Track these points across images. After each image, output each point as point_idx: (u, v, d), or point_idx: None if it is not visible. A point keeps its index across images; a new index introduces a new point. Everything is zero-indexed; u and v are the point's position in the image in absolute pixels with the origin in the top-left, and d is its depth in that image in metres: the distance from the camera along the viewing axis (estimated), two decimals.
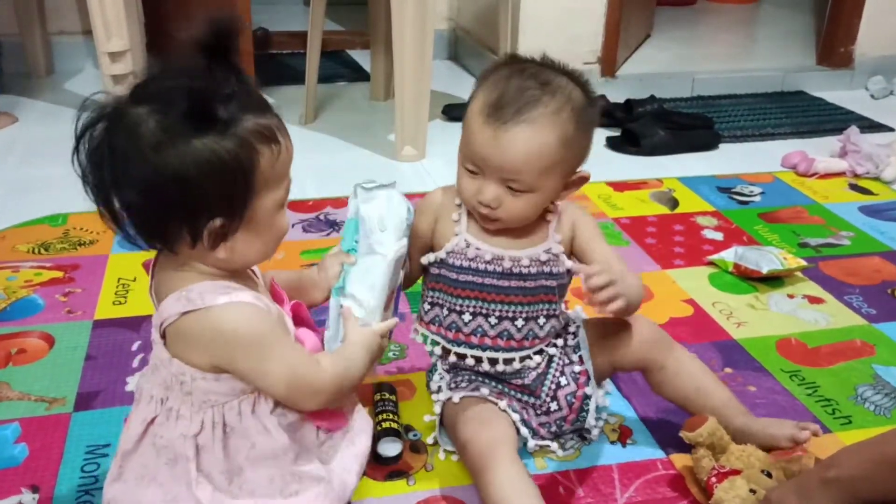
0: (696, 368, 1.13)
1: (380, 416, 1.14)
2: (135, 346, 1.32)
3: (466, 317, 1.05)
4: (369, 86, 2.74)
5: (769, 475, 1.00)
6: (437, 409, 1.10)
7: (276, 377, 0.80)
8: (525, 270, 1.04)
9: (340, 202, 1.89)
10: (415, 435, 1.15)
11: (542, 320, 1.06)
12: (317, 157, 2.20)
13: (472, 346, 1.06)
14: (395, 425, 1.13)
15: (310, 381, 0.83)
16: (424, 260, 1.07)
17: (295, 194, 2.13)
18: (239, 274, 0.85)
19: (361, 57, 3.11)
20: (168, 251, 0.80)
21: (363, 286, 0.94)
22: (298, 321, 0.92)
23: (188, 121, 0.73)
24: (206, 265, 0.81)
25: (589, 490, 1.06)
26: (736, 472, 1.01)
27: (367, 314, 0.94)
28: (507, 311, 1.05)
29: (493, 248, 1.04)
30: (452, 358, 1.08)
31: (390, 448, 1.11)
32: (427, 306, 1.09)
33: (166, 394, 0.82)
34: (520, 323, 1.05)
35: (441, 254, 1.05)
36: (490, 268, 1.03)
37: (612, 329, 1.11)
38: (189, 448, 0.81)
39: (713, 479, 1.01)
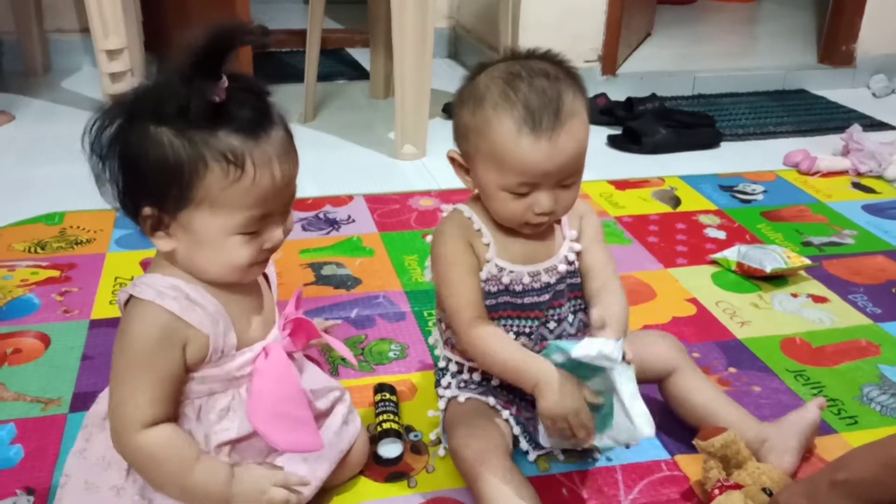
0: (709, 387, 1.13)
1: (380, 417, 1.13)
2: None
3: (510, 335, 1.04)
4: (369, 84, 2.73)
5: (770, 493, 0.97)
6: (442, 405, 1.09)
7: (111, 399, 0.83)
8: (559, 276, 1.04)
9: (340, 200, 1.87)
10: (416, 436, 1.14)
11: (570, 318, 1.06)
12: (317, 155, 2.18)
13: None
14: (395, 426, 1.12)
15: (118, 432, 0.83)
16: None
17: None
18: (231, 287, 0.86)
19: (360, 55, 3.10)
20: (145, 231, 0.83)
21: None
22: (301, 337, 0.92)
23: (156, 108, 0.76)
24: (177, 266, 0.84)
25: (593, 492, 1.05)
26: (739, 488, 0.98)
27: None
28: (543, 318, 1.05)
29: (526, 267, 1.02)
30: (477, 376, 1.08)
31: (391, 449, 1.09)
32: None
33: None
34: (552, 325, 1.05)
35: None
36: (529, 286, 1.02)
37: (635, 342, 1.09)
38: None
39: (715, 492, 0.99)
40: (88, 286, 1.48)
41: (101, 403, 0.89)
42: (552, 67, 0.96)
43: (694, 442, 1.04)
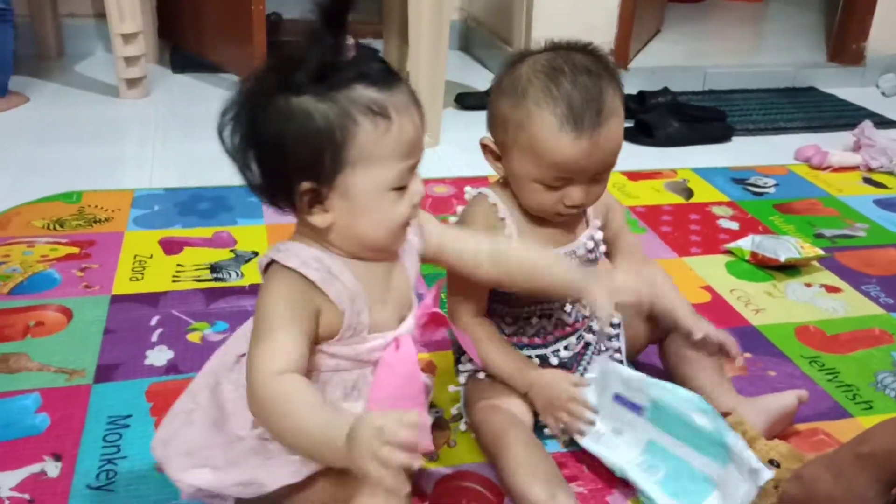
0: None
1: None
2: (153, 321, 1.32)
3: (534, 321, 1.08)
4: None
5: (777, 465, 0.98)
6: (462, 380, 1.10)
7: (251, 351, 0.79)
8: (577, 261, 1.06)
9: None
10: (437, 412, 1.15)
11: None
12: None
13: (535, 347, 1.09)
14: None
15: (254, 377, 0.78)
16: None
17: None
18: (372, 268, 0.84)
19: (370, 44, 3.11)
20: (281, 210, 0.82)
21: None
22: (431, 329, 0.91)
23: (290, 80, 0.75)
24: (323, 238, 0.82)
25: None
26: None
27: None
28: (561, 301, 1.07)
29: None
30: None
31: None
32: None
33: None
34: (568, 308, 1.08)
35: None
36: None
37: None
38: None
39: None
40: (108, 263, 1.49)
41: (228, 355, 0.89)
42: (594, 63, 0.97)
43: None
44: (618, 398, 1.04)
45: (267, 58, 0.78)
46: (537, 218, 1.04)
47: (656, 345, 1.20)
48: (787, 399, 1.11)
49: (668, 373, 1.16)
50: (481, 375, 1.08)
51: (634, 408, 1.03)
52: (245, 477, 0.83)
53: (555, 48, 1.00)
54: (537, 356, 1.09)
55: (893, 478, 0.79)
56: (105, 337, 1.27)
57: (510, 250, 0.98)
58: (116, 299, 1.38)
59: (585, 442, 1.03)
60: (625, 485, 1.02)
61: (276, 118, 0.76)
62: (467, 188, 1.12)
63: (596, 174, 0.99)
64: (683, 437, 0.99)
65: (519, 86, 0.97)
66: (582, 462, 1.06)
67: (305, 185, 0.77)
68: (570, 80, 0.95)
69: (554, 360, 1.09)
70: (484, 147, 1.05)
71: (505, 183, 1.06)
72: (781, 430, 1.11)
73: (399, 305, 0.88)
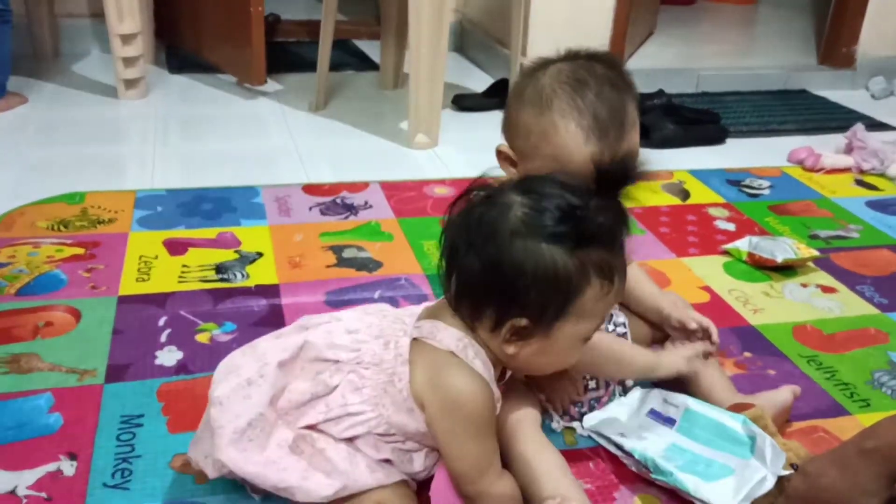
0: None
1: None
2: (161, 322, 1.33)
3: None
4: (377, 75, 2.75)
5: (796, 468, 0.99)
6: None
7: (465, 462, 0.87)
8: None
9: (356, 186, 1.90)
10: None
11: None
12: (331, 142, 2.21)
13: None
14: None
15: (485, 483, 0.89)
16: None
17: (311, 178, 2.13)
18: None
19: (367, 47, 3.13)
20: (467, 322, 0.85)
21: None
22: None
23: (549, 229, 0.79)
24: (510, 359, 0.87)
25: (617, 466, 1.07)
26: None
27: None
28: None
29: None
30: None
31: None
32: None
33: (368, 367, 0.89)
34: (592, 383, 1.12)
35: None
36: None
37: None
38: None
39: None
40: (114, 264, 1.50)
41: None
42: (615, 76, 1.00)
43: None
44: (652, 413, 1.08)
45: (532, 205, 0.81)
46: None
47: (660, 345, 1.22)
48: (782, 395, 1.15)
49: None
50: None
51: (668, 421, 1.06)
52: (281, 480, 0.87)
53: (574, 57, 1.01)
54: None
55: None
56: (114, 337, 1.28)
57: (598, 341, 1.00)
58: (124, 300, 1.39)
59: (608, 431, 1.06)
60: (631, 481, 1.04)
61: (529, 259, 0.79)
62: None
63: None
64: (708, 442, 1.02)
65: (543, 96, 0.99)
66: (589, 459, 1.09)
67: (523, 321, 0.82)
68: (594, 93, 0.97)
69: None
70: (499, 153, 1.06)
71: None
72: (779, 426, 1.13)
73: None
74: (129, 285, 1.43)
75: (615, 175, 0.82)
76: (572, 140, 0.97)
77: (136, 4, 2.36)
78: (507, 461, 1.00)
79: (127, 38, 2.35)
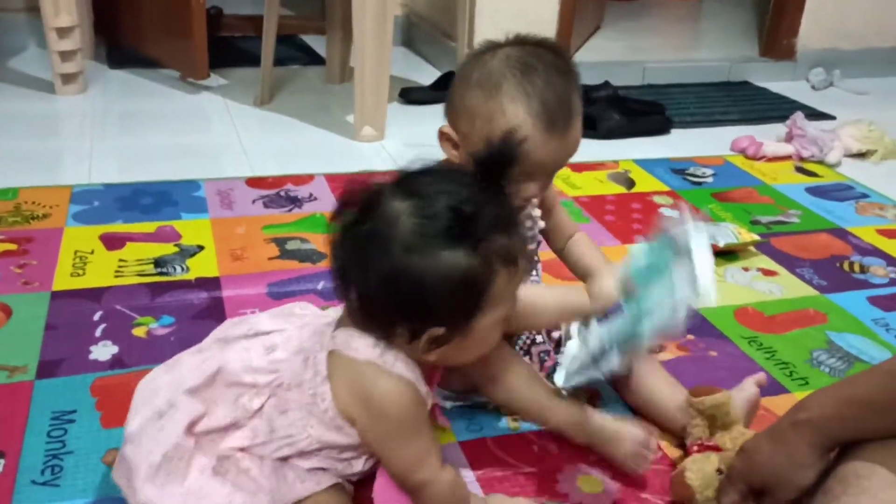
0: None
1: None
2: (96, 316, 1.29)
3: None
4: (322, 69, 2.73)
5: None
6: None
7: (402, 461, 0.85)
8: None
9: (301, 179, 1.87)
10: None
11: None
12: (275, 136, 2.18)
13: None
14: None
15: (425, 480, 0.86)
16: None
17: (255, 171, 2.09)
18: None
19: (313, 41, 3.10)
20: (381, 339, 0.81)
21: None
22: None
23: (444, 234, 0.75)
24: (420, 357, 0.83)
25: (562, 445, 1.07)
26: (717, 450, 1.00)
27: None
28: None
29: None
30: None
31: None
32: None
33: (289, 388, 0.85)
34: (540, 337, 1.11)
35: None
36: None
37: None
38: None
39: (694, 448, 1.02)
40: (47, 259, 1.45)
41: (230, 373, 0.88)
42: (562, 63, 0.98)
43: (685, 398, 1.07)
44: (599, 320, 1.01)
45: (419, 213, 0.76)
46: None
47: None
48: (748, 390, 1.10)
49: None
50: None
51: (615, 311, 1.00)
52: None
53: (522, 42, 0.99)
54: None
55: (830, 442, 0.82)
56: (47, 333, 1.24)
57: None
58: (57, 295, 1.34)
59: (579, 370, 0.99)
60: (574, 464, 1.04)
61: (429, 269, 0.75)
62: None
63: (555, 171, 1.01)
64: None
65: (491, 79, 0.96)
66: (532, 443, 1.08)
67: (438, 331, 0.78)
68: (543, 80, 0.95)
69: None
70: (442, 135, 1.04)
71: None
72: (750, 420, 1.11)
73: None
74: (63, 280, 1.39)
75: (496, 158, 0.79)
76: (519, 126, 0.94)
77: None
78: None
79: (63, 32, 2.29)
